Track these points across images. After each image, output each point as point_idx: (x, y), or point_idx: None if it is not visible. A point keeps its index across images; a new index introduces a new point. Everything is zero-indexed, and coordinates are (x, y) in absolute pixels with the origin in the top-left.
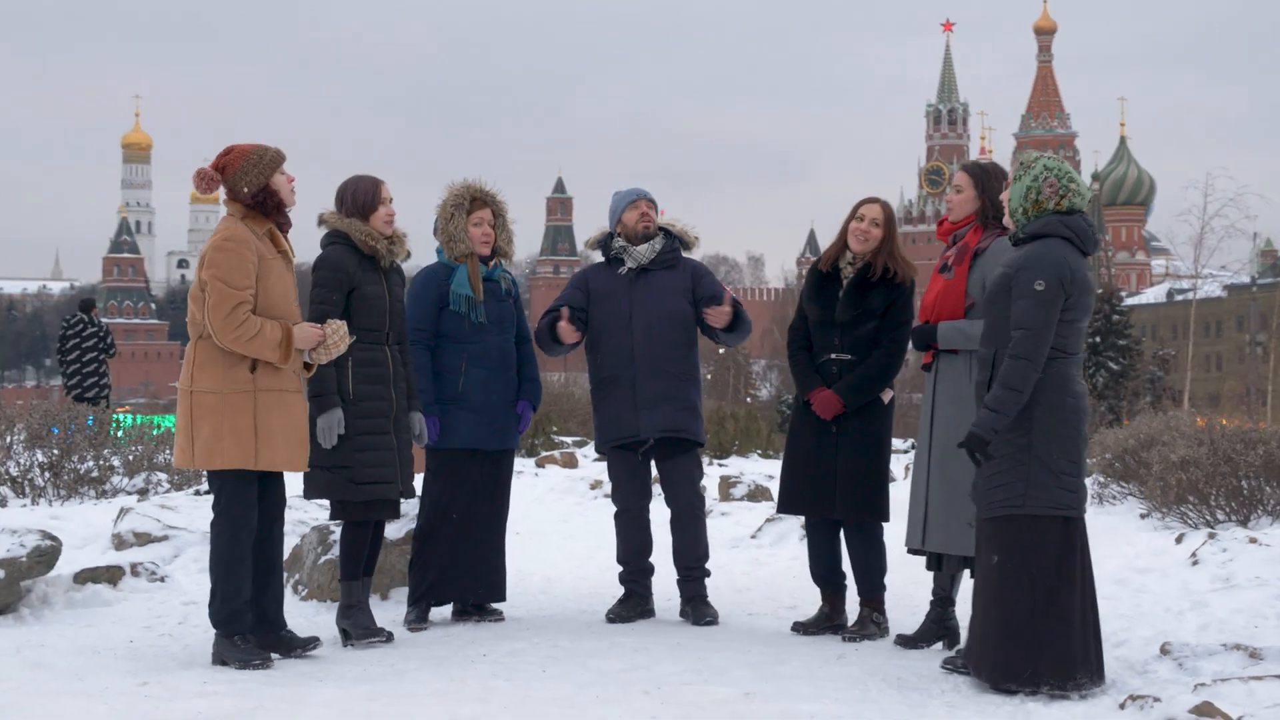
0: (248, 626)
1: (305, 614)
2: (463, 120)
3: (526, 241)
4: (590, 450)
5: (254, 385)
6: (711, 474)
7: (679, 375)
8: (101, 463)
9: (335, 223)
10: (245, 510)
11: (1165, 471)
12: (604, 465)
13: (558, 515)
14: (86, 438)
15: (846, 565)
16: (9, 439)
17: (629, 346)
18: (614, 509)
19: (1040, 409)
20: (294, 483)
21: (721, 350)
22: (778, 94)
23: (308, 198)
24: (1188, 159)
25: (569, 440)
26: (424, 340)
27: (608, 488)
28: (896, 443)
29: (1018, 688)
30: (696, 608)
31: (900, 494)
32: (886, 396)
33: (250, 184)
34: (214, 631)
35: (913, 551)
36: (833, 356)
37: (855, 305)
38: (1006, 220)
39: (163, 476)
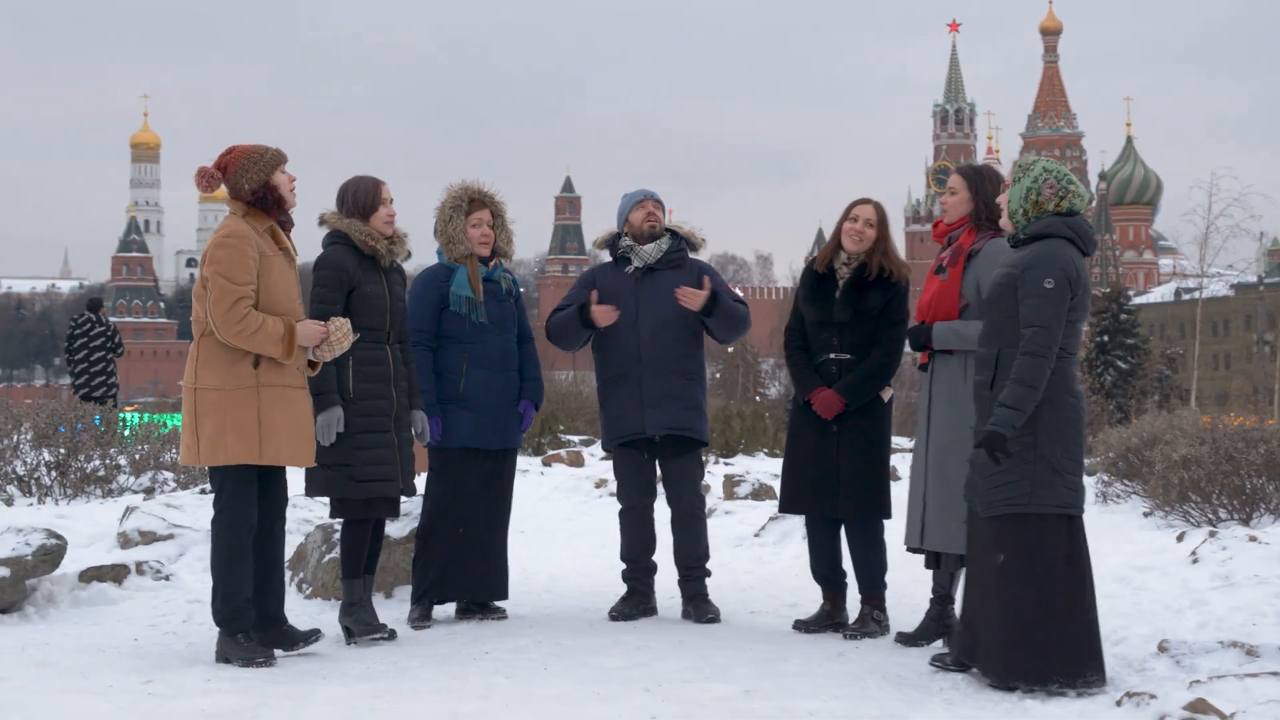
0: (250, 624)
1: (309, 612)
2: (470, 120)
3: (535, 240)
4: (597, 449)
5: (257, 381)
6: (716, 472)
7: (685, 374)
8: (108, 462)
9: (335, 223)
10: (245, 508)
11: (1167, 470)
12: (610, 464)
13: (563, 514)
14: (93, 437)
15: (847, 563)
16: (15, 438)
17: (635, 345)
18: (619, 507)
19: (1045, 408)
20: (296, 481)
21: (730, 349)
22: (784, 94)
23: (315, 197)
24: (1192, 159)
25: (576, 439)
26: (425, 341)
27: (612, 486)
28: (902, 441)
29: (1027, 686)
30: (698, 606)
31: (900, 492)
32: (886, 395)
33: (251, 181)
34: (217, 630)
35: (912, 550)
36: (832, 356)
37: (853, 305)
38: (1004, 222)
39: (169, 475)
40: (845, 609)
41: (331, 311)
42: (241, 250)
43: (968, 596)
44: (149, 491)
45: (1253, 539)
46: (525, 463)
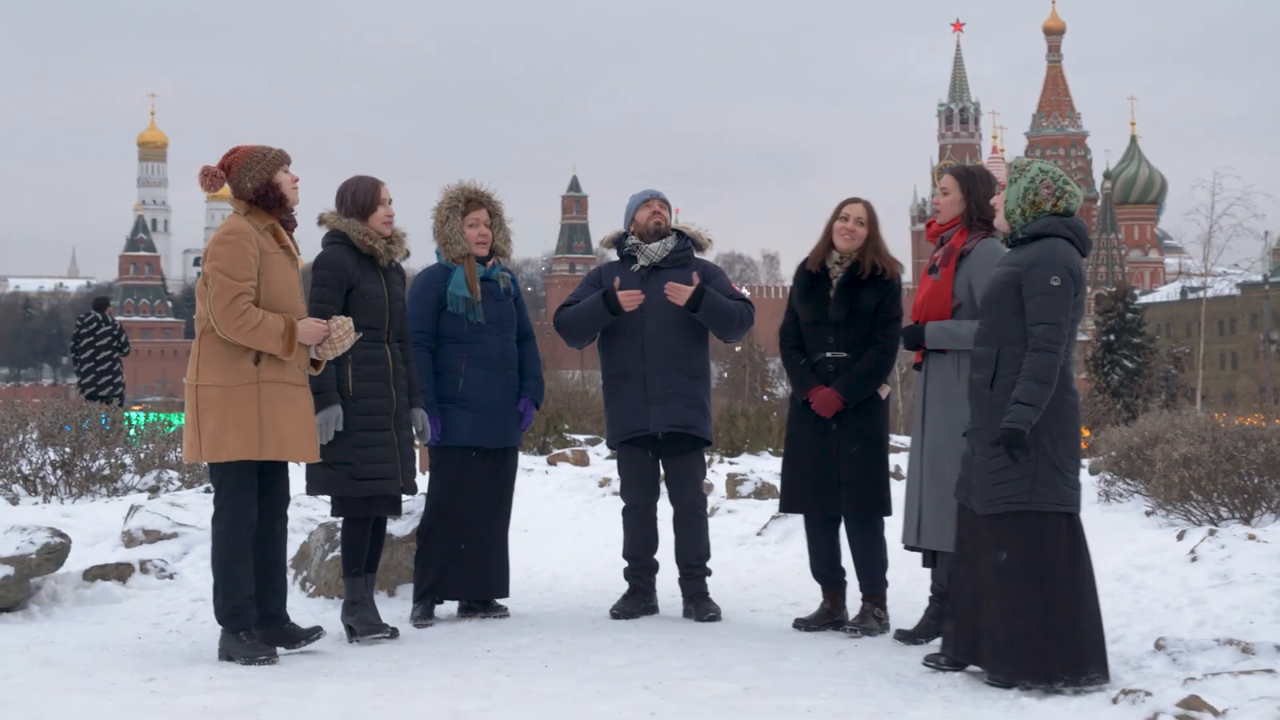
0: (252, 622)
1: (313, 610)
2: (474, 120)
3: (542, 239)
4: (603, 448)
5: (258, 378)
6: (719, 471)
7: (689, 372)
8: (113, 461)
9: (334, 222)
10: (244, 505)
11: (1168, 469)
12: (613, 463)
13: (566, 513)
14: (98, 436)
15: (846, 561)
16: (21, 437)
17: (640, 343)
18: (622, 505)
19: (1047, 406)
20: (298, 481)
21: (738, 348)
22: (790, 93)
23: (318, 196)
24: (1195, 158)
25: (582, 438)
26: (424, 342)
27: (616, 485)
28: (903, 439)
29: (1032, 684)
30: (699, 604)
31: (900, 490)
32: (884, 392)
33: (254, 180)
34: (219, 628)
35: (909, 548)
36: (828, 355)
37: (847, 303)
38: (999, 222)
39: (174, 474)
40: (845, 607)
41: (330, 311)
42: (241, 247)
43: (958, 594)
44: (154, 490)
45: (1251, 537)
46: (530, 461)
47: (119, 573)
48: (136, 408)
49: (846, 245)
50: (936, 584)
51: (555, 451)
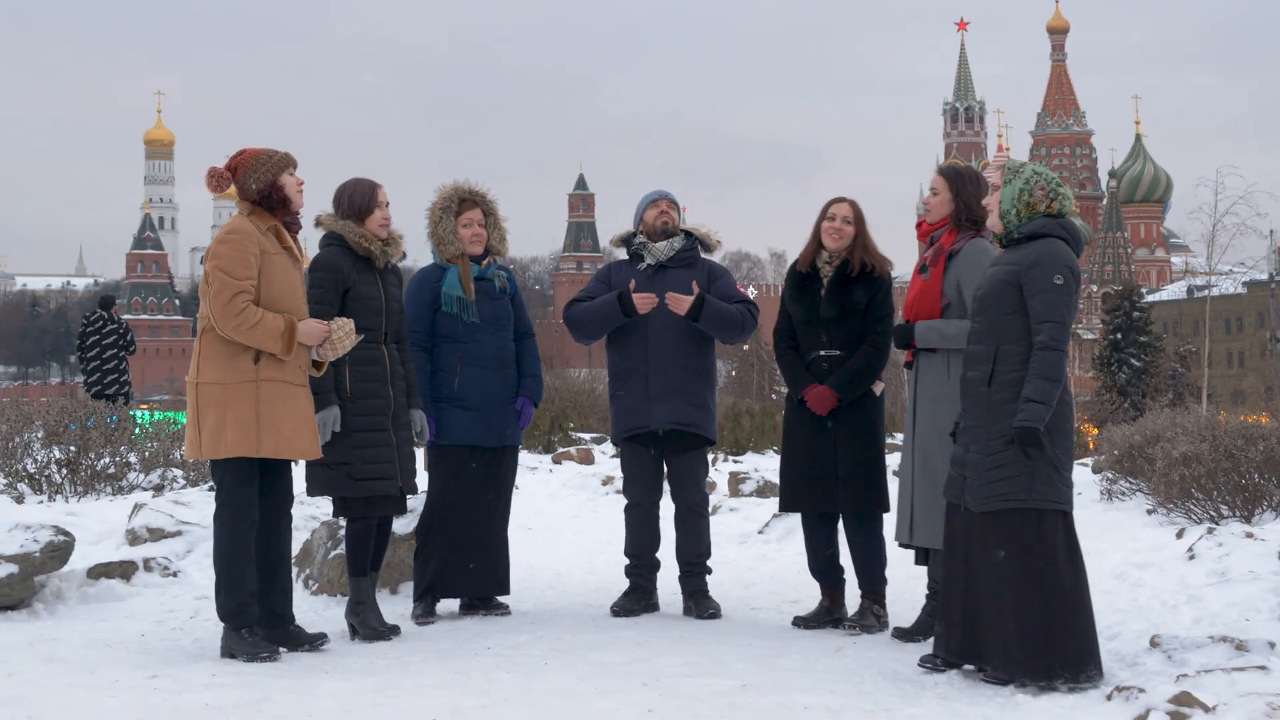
0: (254, 619)
1: (315, 608)
2: (482, 118)
3: (549, 238)
4: (608, 447)
5: (257, 376)
6: (722, 469)
7: (691, 371)
8: (118, 459)
9: (330, 224)
10: (245, 503)
11: (1168, 468)
12: (618, 461)
13: (569, 511)
14: (102, 434)
15: (845, 559)
16: (26, 436)
17: (644, 341)
18: (625, 502)
19: None
20: (301, 480)
21: (745, 347)
22: (796, 92)
23: (323, 196)
24: (1200, 156)
25: (587, 437)
26: (420, 342)
27: (619, 483)
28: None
29: (1034, 682)
30: (699, 602)
31: (896, 487)
32: (878, 389)
33: (258, 181)
34: (222, 625)
35: (903, 545)
36: (821, 353)
37: (838, 301)
38: (993, 222)
39: (178, 473)
40: (844, 605)
41: (327, 312)
42: (242, 246)
43: (949, 594)
44: (158, 489)
45: (1249, 535)
46: (535, 460)
47: (123, 571)
48: (143, 406)
49: (835, 245)
50: (934, 582)
51: (560, 450)
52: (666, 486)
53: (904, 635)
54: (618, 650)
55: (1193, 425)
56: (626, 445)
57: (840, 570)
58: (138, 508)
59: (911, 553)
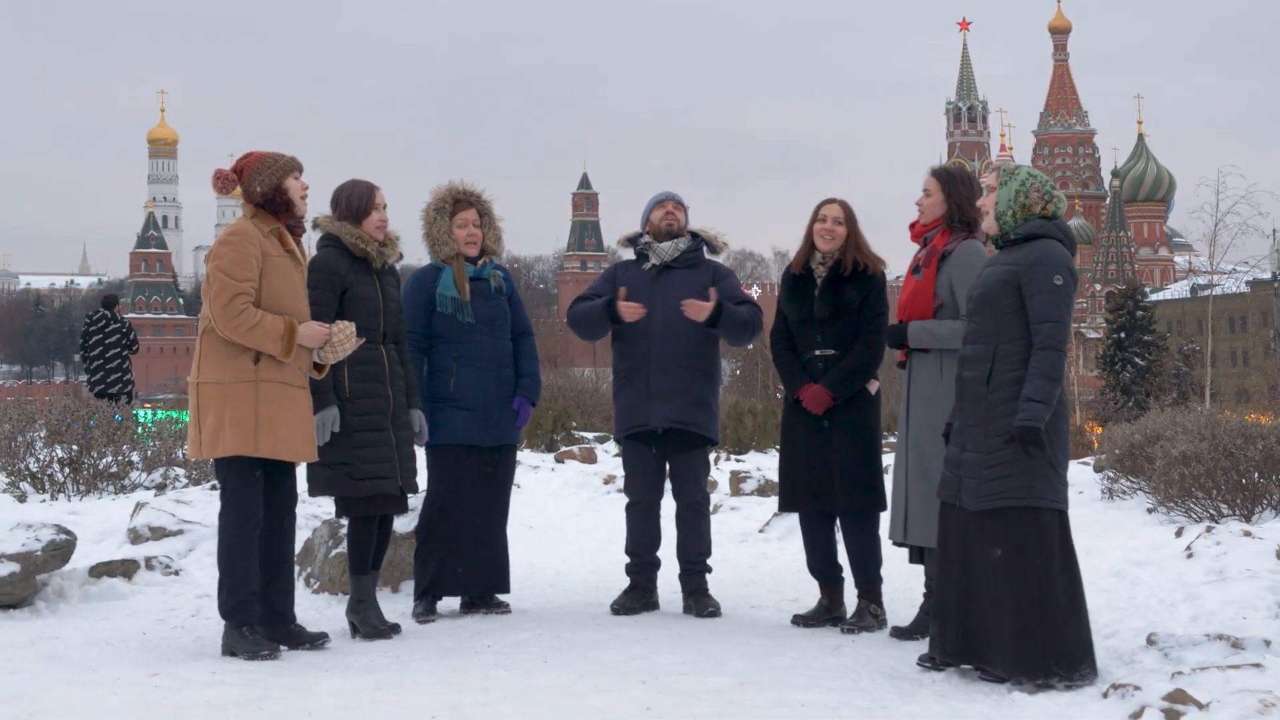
0: (255, 617)
1: (317, 606)
2: (486, 117)
3: (553, 237)
4: (611, 446)
5: (256, 376)
6: (724, 468)
7: (693, 370)
8: (120, 458)
9: (328, 226)
10: (250, 502)
11: (1168, 467)
12: (620, 460)
13: (571, 510)
14: (105, 433)
15: (843, 558)
16: (29, 435)
17: (646, 339)
18: (626, 501)
19: None
20: (302, 479)
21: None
22: (800, 91)
23: (326, 195)
24: (1202, 156)
25: (590, 436)
26: (416, 344)
27: (620, 482)
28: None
29: (1032, 680)
30: (699, 600)
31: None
32: (873, 388)
33: (263, 184)
34: (223, 623)
35: (897, 544)
36: (817, 353)
37: (832, 301)
38: (988, 223)
39: (180, 472)
40: (843, 603)
41: (324, 313)
42: (243, 248)
43: (944, 595)
44: (161, 488)
45: (1248, 534)
46: (537, 459)
47: (124, 569)
48: (146, 405)
49: (827, 246)
50: (931, 580)
51: (563, 449)
52: (668, 485)
53: (902, 634)
54: (617, 648)
55: (1192, 424)
56: (628, 443)
57: (838, 569)
58: (139, 506)
59: (905, 551)
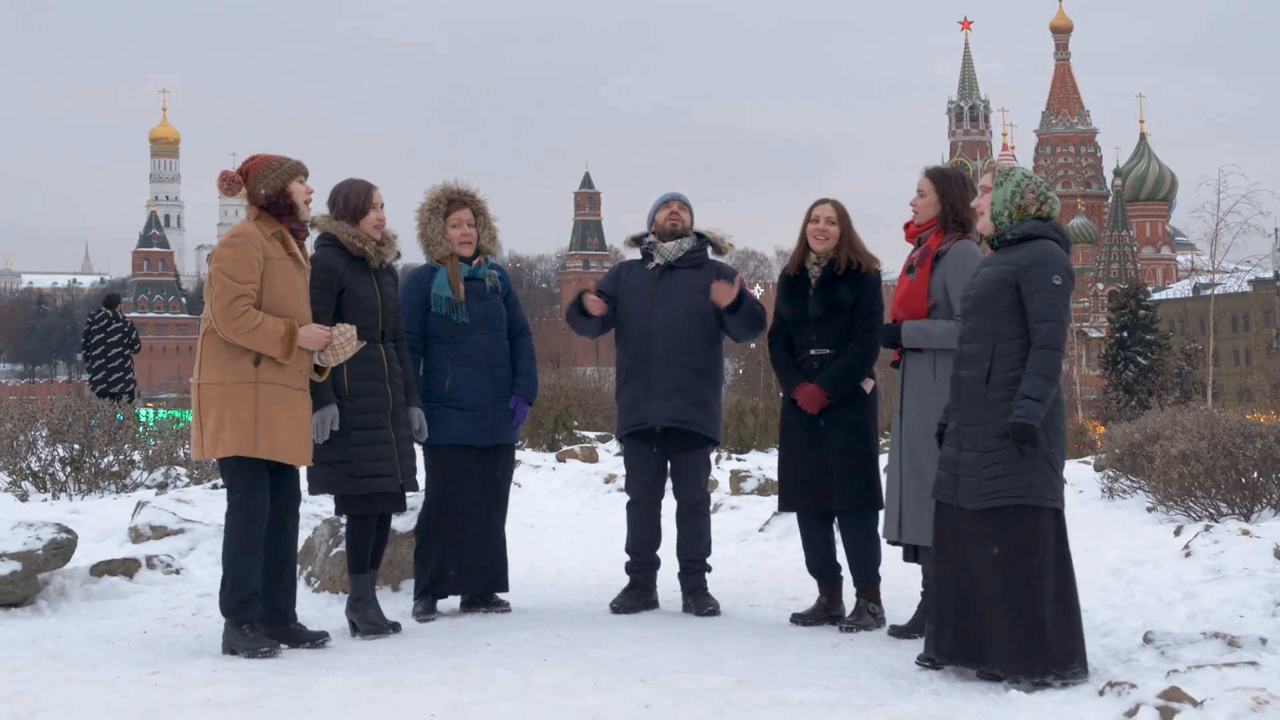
0: (256, 616)
1: (318, 605)
2: (489, 116)
3: (555, 236)
4: (613, 445)
5: (256, 378)
6: (725, 467)
7: (694, 369)
8: (122, 458)
9: (325, 225)
10: (258, 502)
11: (1167, 466)
12: (619, 459)
13: (572, 509)
14: (106, 433)
15: (841, 557)
16: (30, 434)
17: (648, 339)
18: (627, 499)
19: None
20: (303, 478)
21: (753, 345)
22: (803, 90)
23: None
24: (1203, 155)
25: (591, 435)
26: (411, 344)
27: (620, 481)
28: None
29: (1028, 678)
30: (698, 599)
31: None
32: (868, 387)
33: (268, 187)
34: (224, 620)
35: (891, 543)
36: (812, 353)
37: (825, 300)
38: (983, 224)
39: (182, 471)
40: (841, 602)
41: (322, 312)
42: (245, 250)
43: (940, 595)
44: (162, 487)
45: (1245, 533)
46: (539, 458)
47: (125, 568)
48: (149, 404)
49: (821, 246)
50: (928, 579)
51: (564, 448)
52: (669, 484)
53: (900, 632)
54: (616, 647)
55: (1191, 423)
56: (629, 442)
57: (837, 568)
58: (141, 505)
59: (900, 549)
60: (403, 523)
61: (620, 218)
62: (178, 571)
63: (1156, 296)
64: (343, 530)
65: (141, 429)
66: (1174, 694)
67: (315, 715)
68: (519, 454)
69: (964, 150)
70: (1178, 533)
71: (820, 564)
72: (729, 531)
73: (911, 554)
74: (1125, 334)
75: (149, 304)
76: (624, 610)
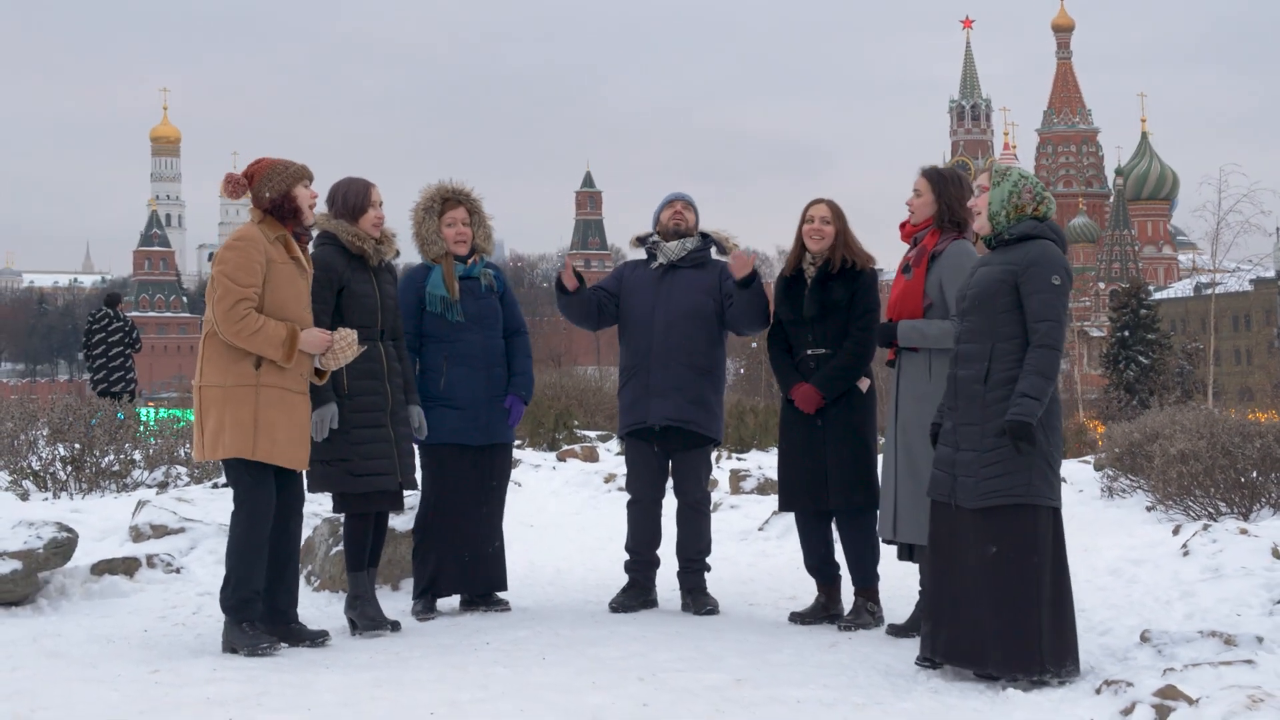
0: (256, 615)
1: (318, 604)
2: (490, 116)
3: (557, 235)
4: (613, 444)
5: (257, 381)
6: (725, 467)
7: (694, 369)
8: (122, 457)
9: (324, 224)
10: (263, 502)
11: (1166, 465)
12: (619, 458)
13: (572, 508)
14: (107, 432)
15: (840, 556)
16: (31, 433)
17: (649, 338)
18: (628, 498)
19: None
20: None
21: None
22: (804, 90)
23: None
24: (1204, 154)
25: (592, 434)
26: (407, 343)
27: (620, 480)
28: None
29: (1022, 677)
30: (697, 598)
31: None
32: (864, 385)
33: (273, 190)
34: (224, 617)
35: (886, 541)
36: (809, 353)
37: (819, 300)
38: (980, 224)
39: (182, 470)
40: (840, 601)
41: (322, 310)
42: (248, 254)
43: (936, 594)
44: (163, 486)
45: (1243, 531)
46: (539, 457)
47: (126, 567)
48: (150, 404)
49: (817, 246)
50: (925, 578)
51: (565, 447)
52: (670, 483)
53: (898, 631)
54: (615, 645)
55: (1191, 423)
56: (630, 441)
57: (835, 567)
58: (141, 505)
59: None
60: (402, 522)
61: (621, 217)
62: (178, 570)
63: (1158, 296)
64: (342, 530)
65: (142, 428)
66: (1169, 692)
67: (315, 713)
68: (519, 453)
69: (965, 149)
70: (1176, 532)
71: (819, 563)
72: (728, 531)
73: (906, 553)
74: (1126, 333)
75: (150, 303)
76: (623, 609)
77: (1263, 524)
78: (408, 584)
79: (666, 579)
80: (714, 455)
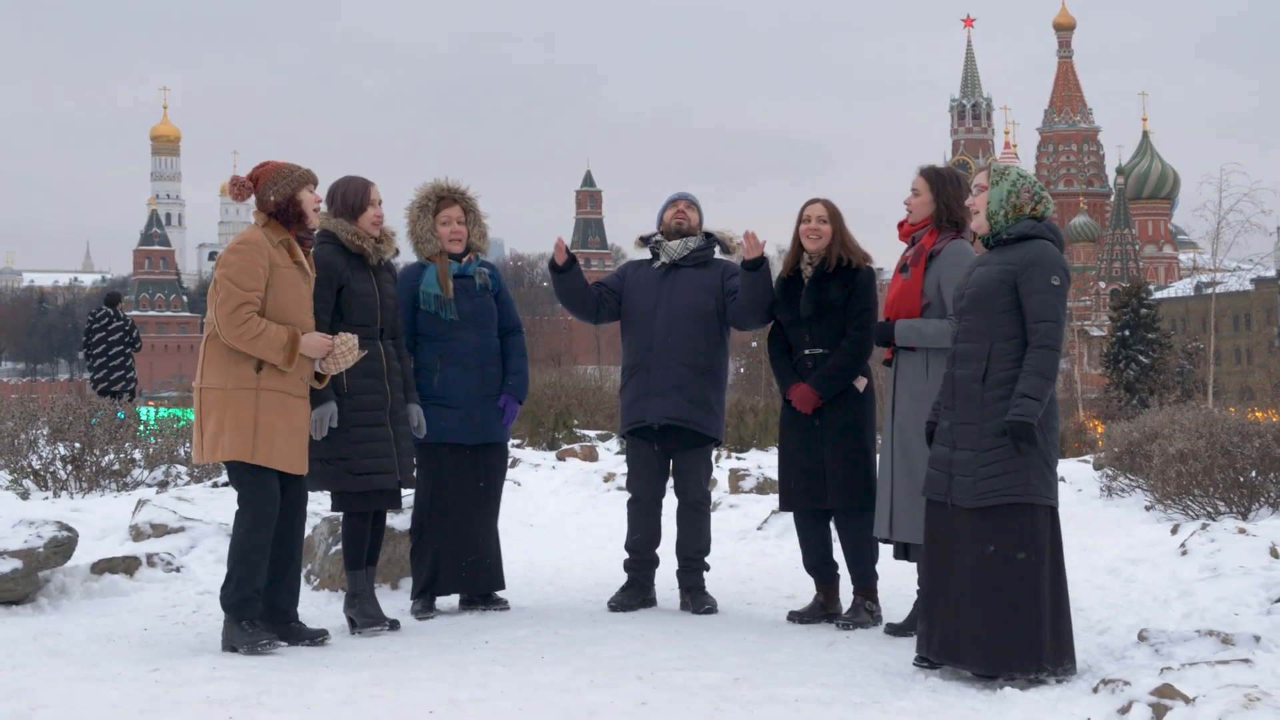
0: (256, 614)
1: (317, 603)
2: (490, 115)
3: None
4: (613, 444)
5: (257, 384)
6: (724, 466)
7: (695, 368)
8: (122, 456)
9: (323, 223)
10: (269, 504)
11: (1165, 464)
12: (619, 458)
13: (571, 508)
14: (106, 431)
15: (838, 555)
16: (32, 432)
17: (650, 337)
18: (628, 496)
19: None
20: None
21: (755, 343)
22: (805, 89)
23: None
24: (1205, 153)
25: (592, 434)
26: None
27: (620, 480)
28: None
29: (1019, 676)
30: (695, 597)
31: None
32: (861, 385)
33: (277, 194)
34: (224, 615)
35: (882, 541)
36: (806, 352)
37: (815, 299)
38: (978, 223)
39: (182, 469)
40: (838, 600)
41: (322, 309)
42: (252, 258)
43: (932, 594)
44: (163, 485)
45: (1242, 531)
46: (539, 457)
47: (126, 566)
48: (150, 403)
49: (814, 246)
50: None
51: (564, 447)
52: (670, 482)
53: (896, 631)
54: (613, 644)
55: (1190, 422)
56: (631, 440)
57: (834, 566)
58: (141, 504)
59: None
60: (401, 521)
61: (621, 216)
62: (178, 569)
63: (1158, 295)
64: (341, 528)
65: (142, 427)
66: (1167, 691)
67: (314, 712)
68: (519, 452)
69: (966, 148)
70: (1175, 531)
71: (817, 562)
72: (727, 530)
73: (902, 551)
74: (1127, 332)
75: (150, 302)
76: (622, 608)
77: (1261, 523)
78: (407, 583)
79: (665, 578)
80: (714, 455)
